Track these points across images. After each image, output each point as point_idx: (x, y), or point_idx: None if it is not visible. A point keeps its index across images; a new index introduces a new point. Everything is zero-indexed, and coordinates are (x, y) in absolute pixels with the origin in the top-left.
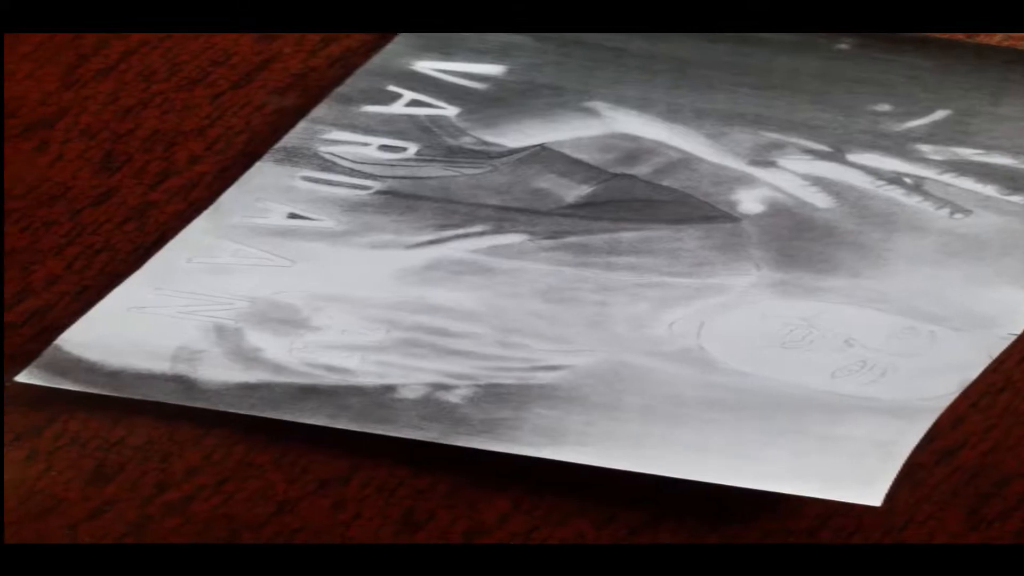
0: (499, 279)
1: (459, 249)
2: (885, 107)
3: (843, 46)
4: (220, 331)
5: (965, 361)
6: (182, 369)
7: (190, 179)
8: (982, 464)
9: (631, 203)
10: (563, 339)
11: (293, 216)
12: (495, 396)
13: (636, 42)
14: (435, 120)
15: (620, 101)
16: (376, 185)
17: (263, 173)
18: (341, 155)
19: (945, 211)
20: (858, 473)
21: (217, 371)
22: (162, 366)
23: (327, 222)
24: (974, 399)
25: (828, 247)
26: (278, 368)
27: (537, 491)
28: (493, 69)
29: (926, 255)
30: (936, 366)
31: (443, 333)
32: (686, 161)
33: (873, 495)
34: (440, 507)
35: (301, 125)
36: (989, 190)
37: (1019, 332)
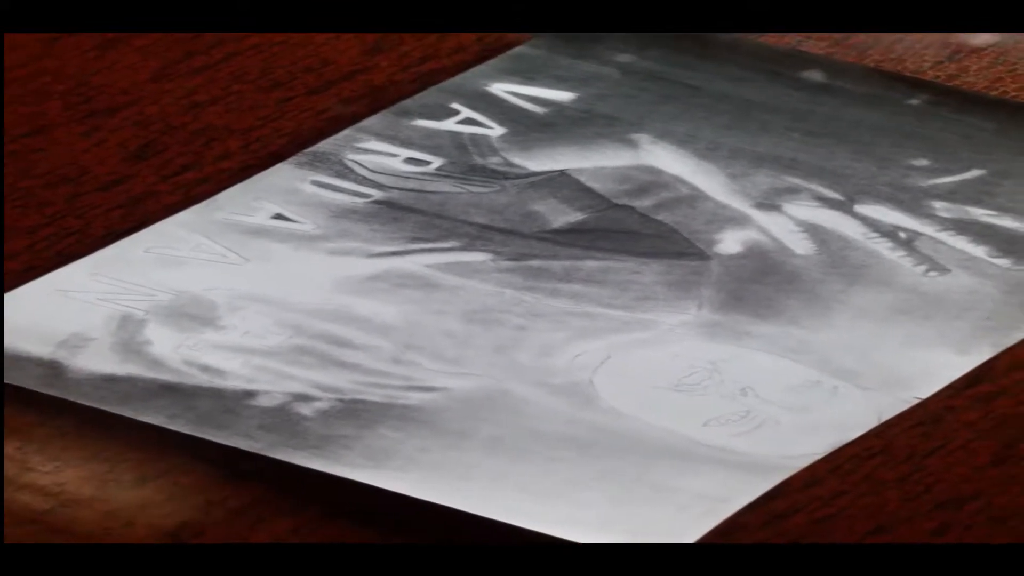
0: (436, 295)
1: (416, 263)
2: (923, 162)
3: (914, 102)
4: (124, 321)
5: (853, 421)
6: (61, 356)
7: (207, 175)
8: (808, 532)
9: (614, 234)
10: (458, 361)
11: (277, 217)
12: (349, 412)
13: (717, 83)
14: (475, 139)
15: (665, 135)
16: (377, 195)
17: (278, 174)
18: (363, 163)
19: (922, 268)
20: (666, 527)
21: (92, 361)
22: (43, 350)
23: (306, 225)
24: (840, 462)
25: (781, 293)
26: (154, 364)
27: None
28: (563, 96)
29: (876, 310)
30: (820, 423)
31: (343, 344)
32: (692, 198)
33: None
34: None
35: (344, 132)
36: (979, 251)
37: (925, 396)
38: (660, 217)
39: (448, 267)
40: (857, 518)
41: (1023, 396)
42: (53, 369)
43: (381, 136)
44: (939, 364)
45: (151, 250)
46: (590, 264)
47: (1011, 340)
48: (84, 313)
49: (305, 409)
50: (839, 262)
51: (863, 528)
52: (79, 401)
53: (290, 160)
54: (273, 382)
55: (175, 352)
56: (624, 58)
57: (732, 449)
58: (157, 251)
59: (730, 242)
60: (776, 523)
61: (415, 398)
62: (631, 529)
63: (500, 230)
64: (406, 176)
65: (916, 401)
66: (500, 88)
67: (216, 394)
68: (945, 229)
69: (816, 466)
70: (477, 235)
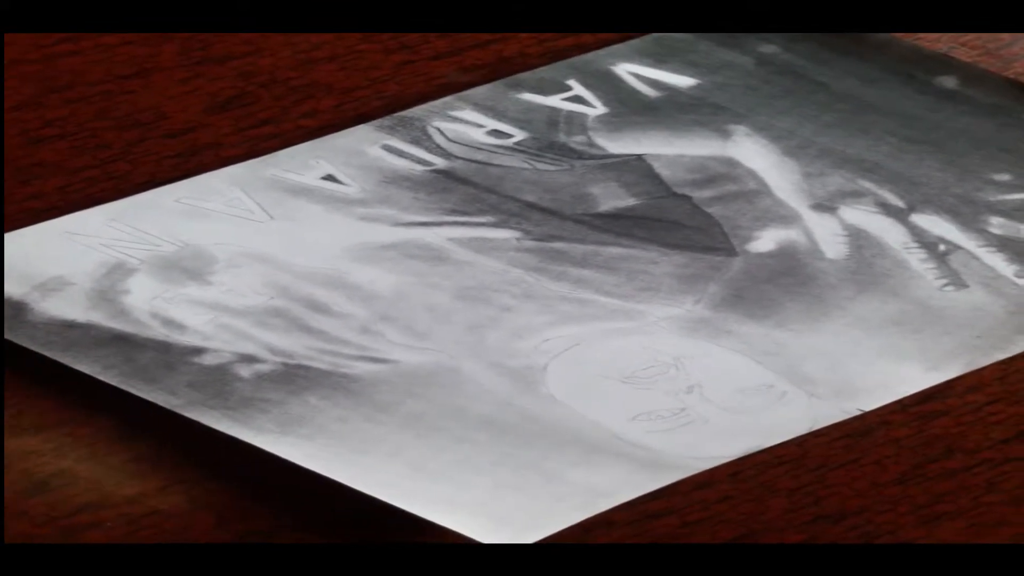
0: (439, 269)
1: (439, 235)
2: (1004, 177)
3: None
4: (113, 269)
5: (784, 428)
6: (31, 298)
7: (282, 131)
8: (671, 534)
9: (654, 223)
10: (427, 336)
11: (327, 178)
12: (287, 377)
13: (845, 81)
14: (571, 116)
15: (763, 129)
16: (440, 164)
17: (352, 135)
18: (444, 131)
19: (941, 282)
20: (529, 518)
21: (59, 306)
22: (16, 290)
23: (351, 189)
24: (743, 468)
25: (788, 295)
26: (118, 313)
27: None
28: (684, 81)
29: (871, 320)
30: (750, 428)
31: (320, 309)
32: (753, 194)
33: (526, 537)
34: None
35: (444, 99)
36: (1010, 269)
37: (867, 409)
38: (712, 210)
39: (469, 242)
40: (727, 524)
41: (965, 418)
42: (15, 310)
43: (479, 106)
44: (901, 378)
45: (182, 200)
46: (612, 251)
47: (987, 360)
48: (78, 258)
49: (244, 371)
50: (862, 269)
51: (728, 534)
52: (22, 343)
53: (373, 122)
54: (229, 341)
55: (147, 303)
56: (767, 49)
57: (646, 445)
58: (188, 202)
59: (766, 240)
60: (643, 523)
61: (360, 369)
62: (495, 515)
63: (543, 209)
64: (479, 147)
65: (857, 413)
66: (626, 68)
67: (164, 348)
68: (987, 245)
69: (719, 469)
70: (517, 212)
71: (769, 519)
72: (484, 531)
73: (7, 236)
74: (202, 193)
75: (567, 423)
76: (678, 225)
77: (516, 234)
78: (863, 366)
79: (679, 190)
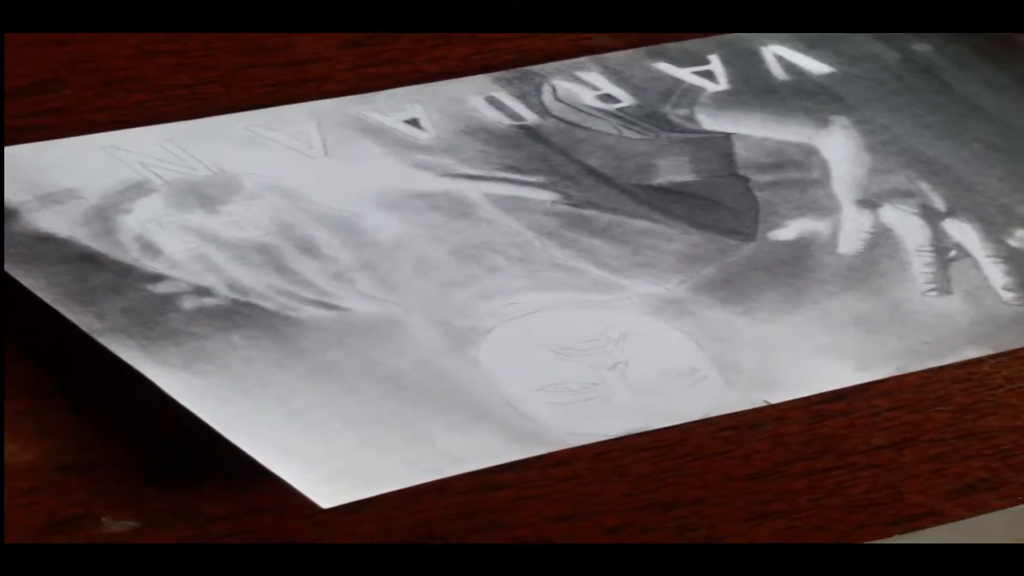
0: (454, 224)
1: (480, 190)
2: None
3: None
4: (133, 187)
5: (680, 413)
6: (28, 206)
7: (402, 72)
8: (506, 507)
9: (696, 200)
10: (396, 288)
11: (410, 122)
12: (226, 314)
13: (974, 86)
14: (688, 90)
15: (862, 122)
16: (530, 120)
17: (464, 83)
18: (557, 89)
19: (929, 287)
20: (373, 473)
21: (49, 218)
22: (17, 198)
23: (427, 135)
24: (609, 450)
25: (774, 284)
26: (103, 232)
27: None
28: (820, 68)
29: (837, 316)
30: (647, 408)
31: (307, 250)
32: (810, 183)
33: (354, 495)
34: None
35: (578, 59)
36: (1000, 282)
37: (774, 402)
38: (761, 193)
39: (503, 200)
40: (557, 503)
41: (858, 421)
42: (10, 216)
43: (608, 70)
44: (825, 375)
45: (250, 127)
46: (638, 224)
47: (919, 366)
48: (103, 173)
49: (188, 303)
50: (863, 267)
51: (551, 512)
52: None
53: (494, 74)
54: (193, 272)
55: (139, 226)
56: (920, 47)
57: (534, 416)
58: (255, 130)
59: (791, 229)
60: (478, 492)
61: (306, 313)
62: (335, 470)
63: (600, 176)
64: (579, 109)
65: (762, 405)
66: (773, 50)
67: (123, 272)
68: (995, 256)
69: (588, 448)
70: (571, 176)
71: (601, 502)
72: (312, 484)
73: (37, 145)
74: (275, 123)
75: (470, 387)
76: (717, 206)
77: (555, 197)
78: (797, 360)
79: (743, 171)
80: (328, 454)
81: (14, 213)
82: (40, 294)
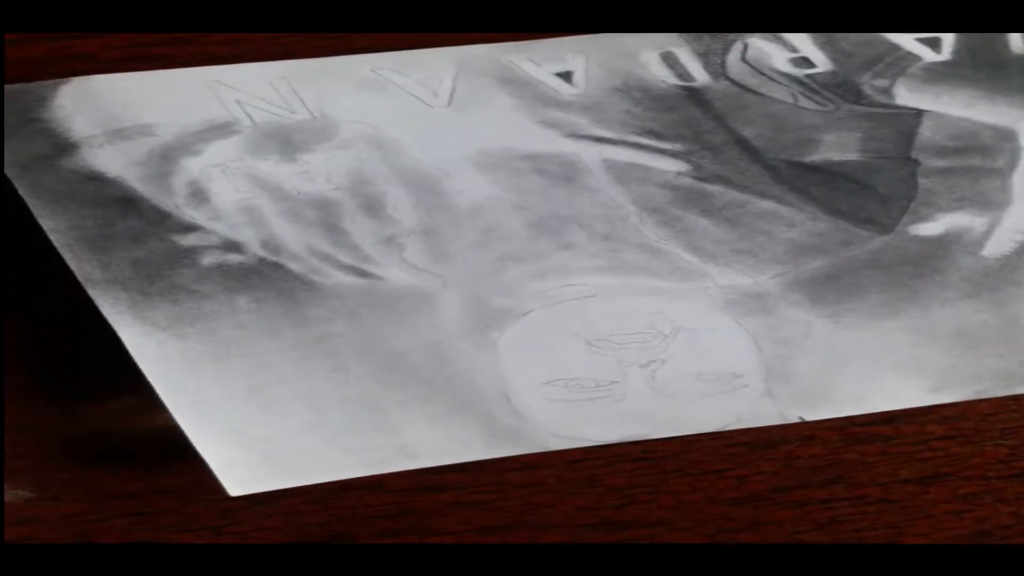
0: (551, 191)
1: (600, 153)
2: None
3: None
4: (215, 128)
5: (690, 422)
6: (95, 141)
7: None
8: (436, 510)
9: (844, 183)
10: (447, 258)
11: (561, 75)
12: (244, 273)
13: None
14: (900, 58)
15: None
16: (700, 83)
17: (648, 37)
18: (749, 48)
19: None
20: (305, 462)
21: (110, 156)
22: (84, 131)
23: (572, 90)
24: (587, 457)
25: (885, 285)
26: (157, 175)
27: None
28: None
29: (936, 326)
30: (660, 414)
31: (371, 210)
32: (989, 171)
33: (253, 485)
34: None
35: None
36: None
37: (809, 419)
38: (927, 180)
39: (623, 167)
40: (488, 513)
41: (898, 447)
42: (60, 150)
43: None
44: (888, 393)
45: (377, 69)
46: (763, 204)
47: (1003, 392)
48: (190, 110)
49: (209, 259)
50: (1001, 272)
51: (479, 522)
52: (19, 186)
53: (687, 35)
54: (233, 226)
55: (201, 169)
56: None
57: (521, 413)
58: (381, 72)
59: (940, 224)
60: (405, 494)
61: (334, 279)
62: (266, 455)
63: (747, 148)
64: (761, 72)
65: (795, 421)
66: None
67: (157, 219)
68: None
69: (565, 453)
70: (714, 146)
71: (547, 515)
72: (227, 468)
73: (134, 75)
74: (409, 66)
75: (469, 374)
76: (865, 190)
77: (683, 168)
78: (864, 374)
79: (917, 154)
80: (266, 436)
81: (74, 147)
82: (54, 236)
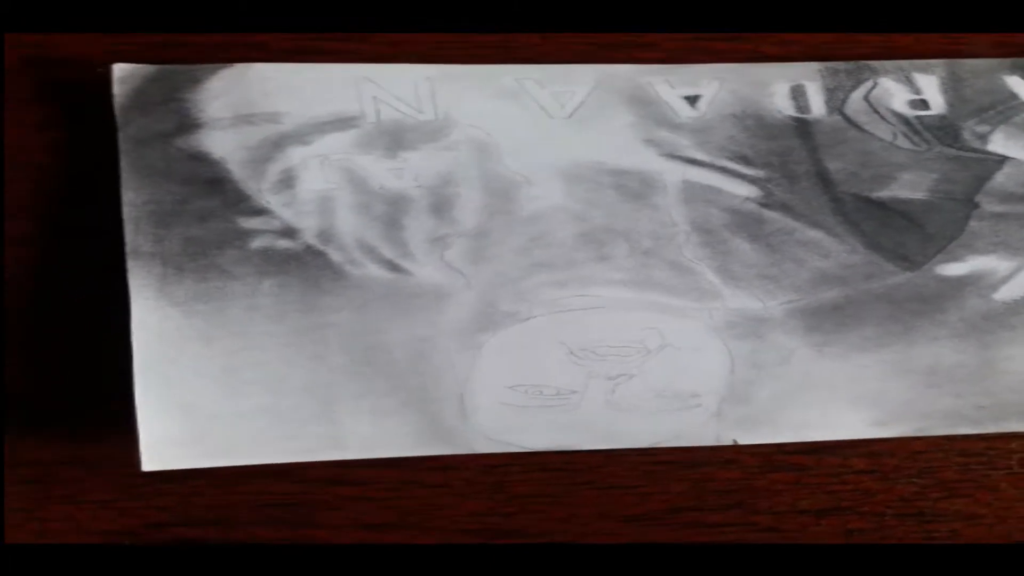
0: (621, 205)
1: (685, 174)
2: None
3: None
4: (337, 122)
5: (628, 436)
6: (220, 124)
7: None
8: (308, 514)
9: (900, 220)
10: (486, 261)
11: (687, 98)
12: (284, 258)
13: None
14: (1015, 107)
15: None
16: (815, 115)
17: (787, 69)
18: (877, 87)
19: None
20: (215, 441)
21: (224, 139)
22: (220, 113)
23: (692, 113)
24: (507, 463)
25: (882, 318)
26: (258, 160)
27: None
28: None
29: (907, 363)
30: (602, 427)
31: (438, 211)
32: None
33: (169, 462)
34: None
35: (932, 60)
36: None
37: (743, 443)
38: (977, 223)
39: (698, 188)
40: (380, 511)
41: (813, 478)
42: (181, 129)
43: (951, 75)
44: (832, 423)
45: (519, 79)
46: (810, 234)
47: (945, 431)
48: (325, 102)
49: (259, 243)
50: (1002, 316)
51: (367, 520)
52: (126, 157)
53: (829, 63)
54: (301, 214)
55: (303, 158)
56: None
57: (468, 414)
58: (522, 82)
59: (966, 264)
60: (309, 485)
61: (364, 271)
62: (197, 434)
63: (823, 179)
64: (873, 110)
65: (729, 444)
66: None
67: (233, 201)
68: None
69: (483, 457)
70: (794, 175)
71: (437, 517)
72: (153, 442)
73: (292, 66)
74: (548, 80)
75: (439, 373)
76: (914, 228)
77: (754, 194)
78: (821, 402)
79: (981, 198)
80: (212, 415)
81: (196, 128)
82: (127, 209)
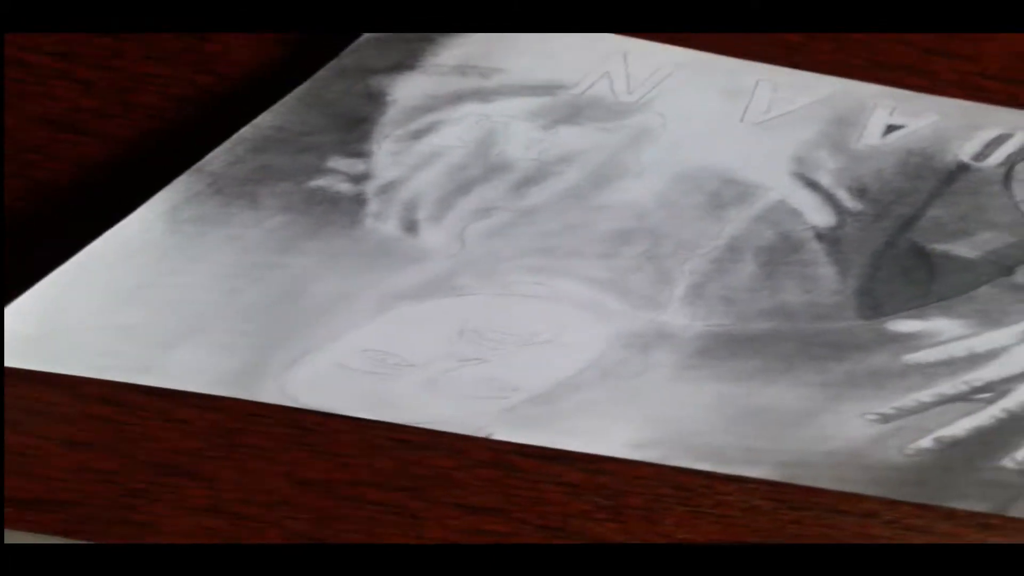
0: (684, 212)
1: (783, 196)
2: None
3: None
4: (544, 87)
5: (412, 415)
6: (442, 71)
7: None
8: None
9: (916, 273)
10: (493, 236)
11: (890, 127)
12: (320, 199)
13: None
14: None
15: None
16: (977, 166)
17: (989, 116)
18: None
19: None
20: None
21: (419, 79)
22: (446, 61)
23: (867, 143)
24: (296, 420)
25: (786, 355)
26: (449, 107)
27: None
28: None
29: (746, 400)
30: (405, 402)
31: (515, 188)
32: None
33: (31, 361)
34: None
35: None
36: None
37: (496, 439)
38: (991, 289)
39: (779, 211)
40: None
41: (518, 480)
42: (390, 71)
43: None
44: (599, 439)
45: (759, 80)
46: (822, 269)
47: (684, 463)
48: (548, 68)
49: (321, 181)
50: (903, 376)
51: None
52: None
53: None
54: (392, 164)
55: (477, 116)
56: None
57: (297, 366)
58: (758, 83)
59: (914, 325)
60: (146, 424)
61: (375, 225)
62: (63, 339)
63: (903, 222)
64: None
65: (484, 437)
66: None
67: (360, 138)
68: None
69: (282, 414)
70: (883, 215)
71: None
72: (15, 343)
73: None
74: (780, 85)
75: (327, 326)
76: (918, 283)
77: (823, 224)
78: (618, 416)
79: (1020, 268)
80: (86, 326)
81: (407, 70)
82: (244, 130)
